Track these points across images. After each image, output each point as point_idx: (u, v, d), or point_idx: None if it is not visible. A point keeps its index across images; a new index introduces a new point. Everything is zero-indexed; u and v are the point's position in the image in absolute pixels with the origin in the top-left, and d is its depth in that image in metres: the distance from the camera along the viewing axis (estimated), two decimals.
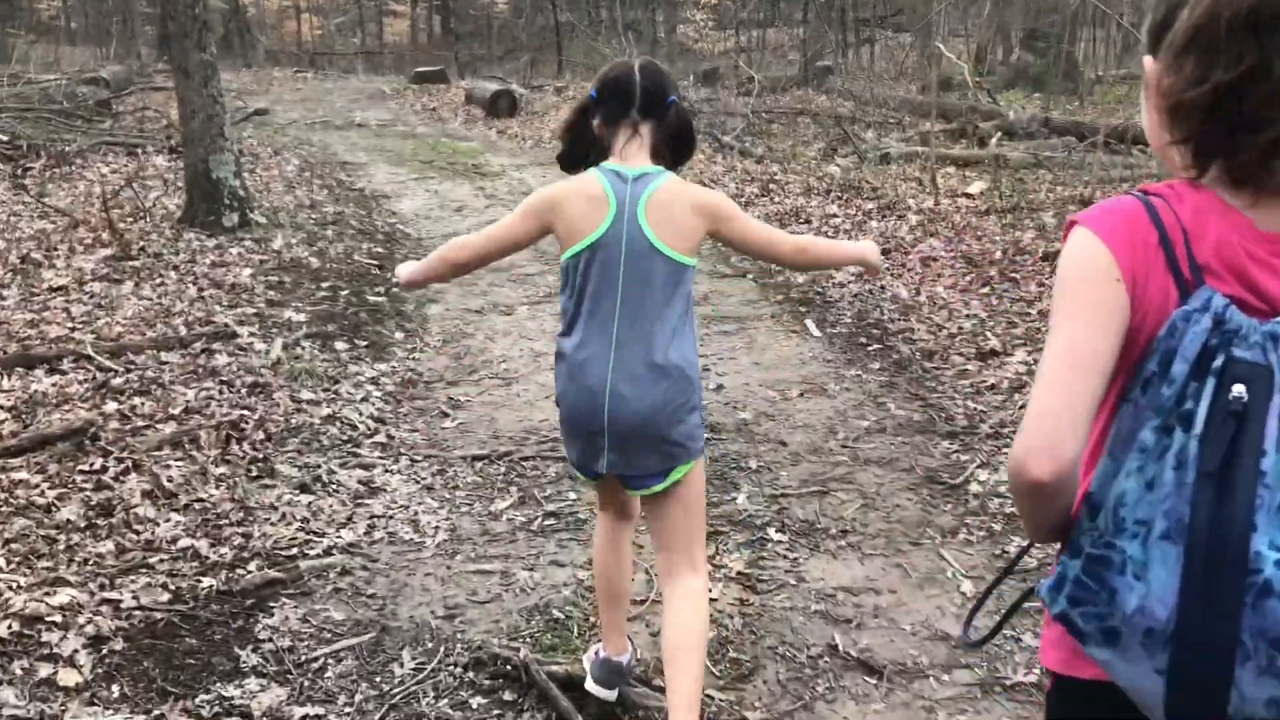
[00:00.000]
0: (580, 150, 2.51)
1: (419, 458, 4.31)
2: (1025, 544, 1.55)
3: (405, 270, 2.69)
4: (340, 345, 5.54)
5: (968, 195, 9.40)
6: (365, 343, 5.65)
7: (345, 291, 6.54)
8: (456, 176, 11.34)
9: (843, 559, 3.54)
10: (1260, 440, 1.13)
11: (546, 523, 3.79)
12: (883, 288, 6.65)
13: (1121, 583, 1.17)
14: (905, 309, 6.21)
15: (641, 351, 2.36)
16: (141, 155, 10.88)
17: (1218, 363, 1.15)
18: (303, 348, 5.38)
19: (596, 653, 2.77)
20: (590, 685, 2.74)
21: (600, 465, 2.45)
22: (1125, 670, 1.20)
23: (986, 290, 6.46)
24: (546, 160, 12.58)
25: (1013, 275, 6.71)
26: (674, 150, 2.48)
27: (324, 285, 6.62)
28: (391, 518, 3.81)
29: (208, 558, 3.43)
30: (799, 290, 6.70)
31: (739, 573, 3.43)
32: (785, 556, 3.55)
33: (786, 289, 6.78)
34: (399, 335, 5.86)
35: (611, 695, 2.74)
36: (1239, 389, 1.14)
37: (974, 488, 4.03)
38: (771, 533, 3.70)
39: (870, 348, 5.62)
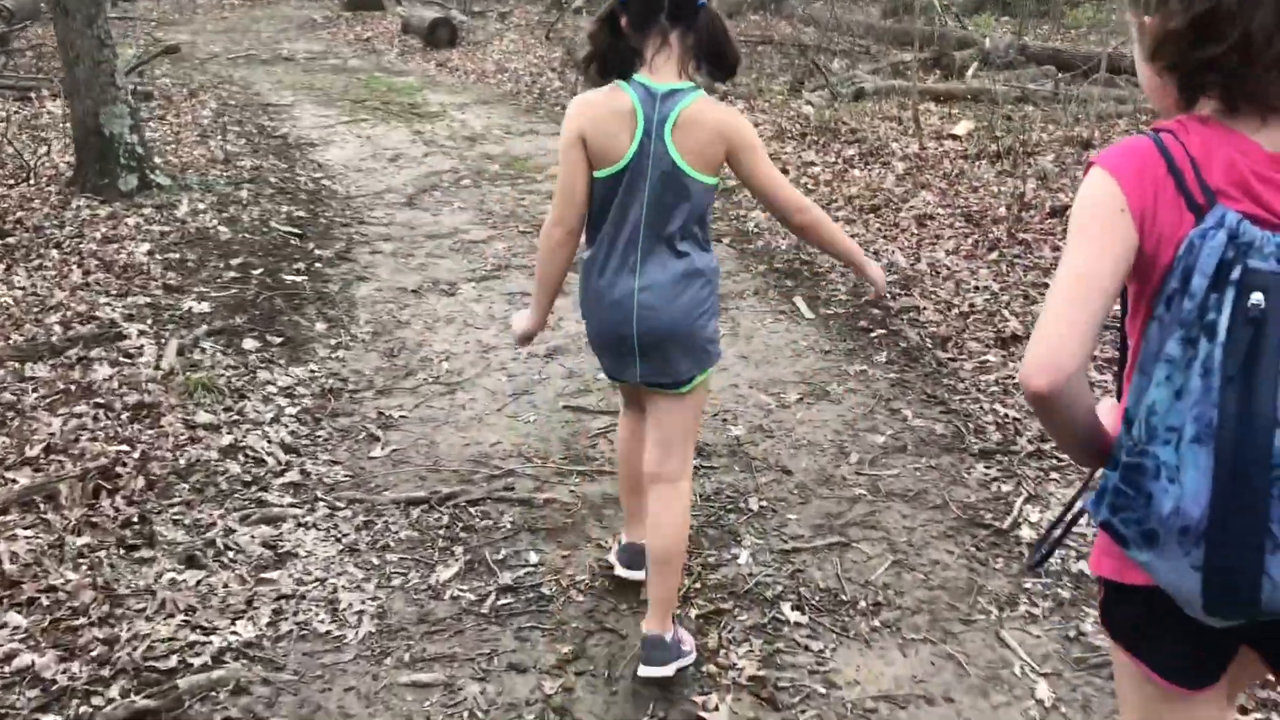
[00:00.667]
0: (610, 61, 2.41)
1: (340, 503, 3.47)
2: (1086, 481, 1.59)
3: (520, 322, 2.67)
4: (249, 344, 4.65)
5: (954, 137, 8.60)
6: (279, 338, 4.76)
7: (259, 270, 5.62)
8: (391, 118, 10.31)
9: (879, 648, 2.79)
10: (1278, 343, 1.22)
11: (501, 602, 2.99)
12: (877, 254, 5.86)
13: (1156, 487, 1.27)
14: (906, 280, 5.43)
15: (664, 265, 2.42)
16: (35, 100, 9.73)
17: (1235, 274, 1.24)
18: (203, 350, 4.49)
19: (619, 541, 3.08)
20: (622, 571, 3.02)
21: (633, 374, 2.54)
22: (1165, 569, 1.29)
23: (995, 256, 5.70)
24: (491, 97, 11.56)
25: (1021, 236, 5.95)
26: (709, 62, 2.39)
27: (234, 262, 5.69)
28: (303, 598, 2.99)
29: (53, 682, 2.59)
30: (783, 259, 5.90)
31: (752, 677, 2.67)
32: (807, 648, 2.79)
33: (769, 258, 5.97)
34: (320, 326, 4.97)
35: (641, 575, 2.90)
36: (1257, 297, 1.22)
37: (1026, 533, 3.29)
38: (786, 610, 2.94)
39: (873, 334, 4.84)
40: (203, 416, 3.91)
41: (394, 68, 14.04)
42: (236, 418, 3.97)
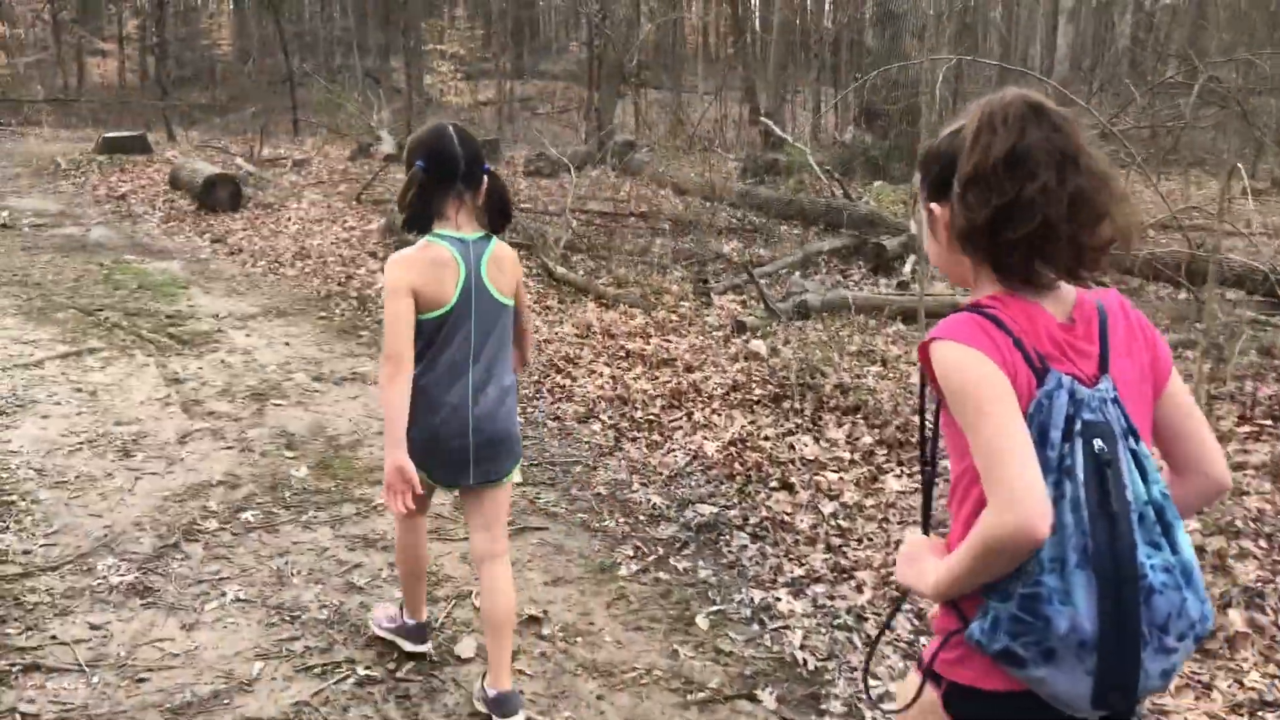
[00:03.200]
0: (430, 217, 2.82)
1: None
2: (897, 603, 2.35)
3: (391, 462, 2.75)
4: None
5: None
6: None
7: None
8: (136, 346, 6.91)
9: None
10: (1122, 477, 1.51)
11: None
12: None
13: (1052, 610, 1.48)
14: None
15: (492, 380, 2.89)
16: None
17: (1078, 426, 1.51)
18: None
19: (405, 623, 3.40)
20: (410, 646, 3.39)
21: (466, 478, 2.94)
22: (1060, 678, 1.50)
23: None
24: (289, 302, 8.28)
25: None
26: (495, 215, 2.90)
27: None
28: None
29: None
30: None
31: None
32: None
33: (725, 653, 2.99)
34: None
35: (427, 648, 3.40)
36: (1098, 443, 1.51)
37: None
38: None
39: None
40: None
41: (153, 244, 10.57)
42: None
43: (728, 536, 4.34)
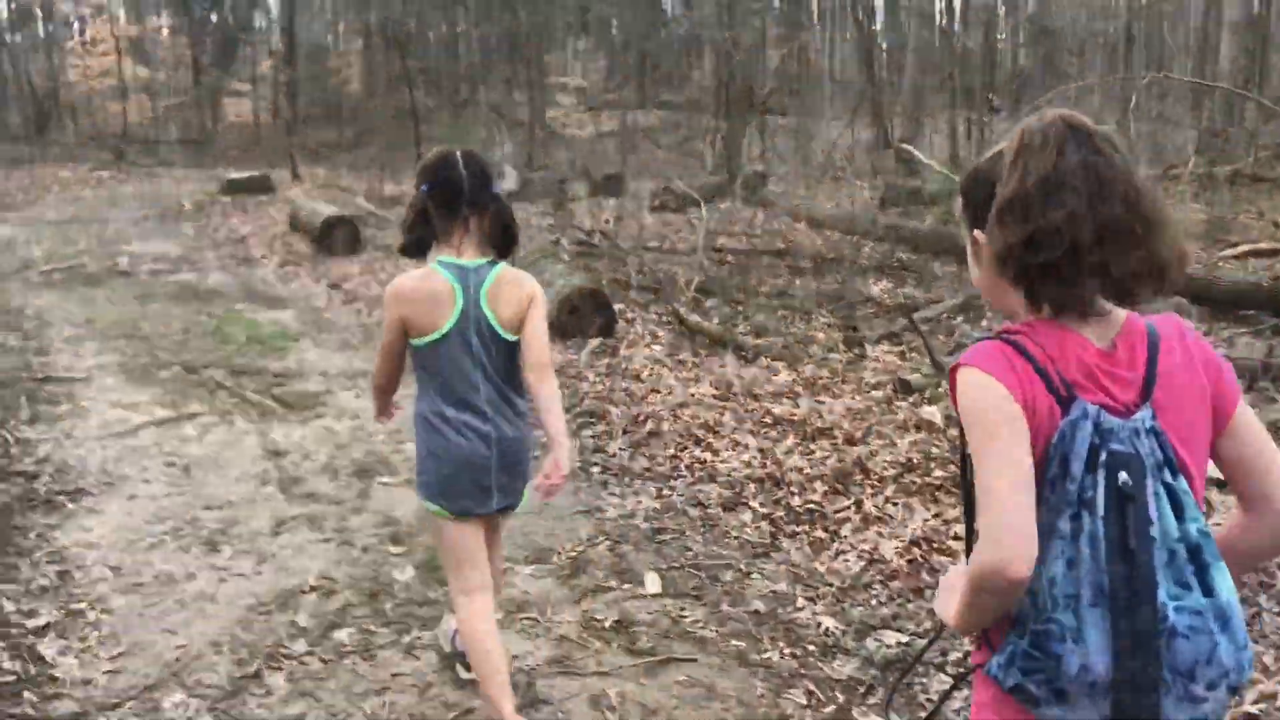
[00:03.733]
0: (427, 242, 2.84)
1: None
2: (935, 634, 2.22)
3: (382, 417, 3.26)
4: None
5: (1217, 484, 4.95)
6: None
7: None
8: (238, 410, 6.36)
9: None
10: (1146, 512, 1.42)
11: None
12: None
13: (1063, 649, 1.41)
14: None
15: (506, 403, 2.88)
16: None
17: (1103, 457, 1.44)
18: None
19: None
20: None
21: (490, 505, 2.93)
22: None
23: None
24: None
25: None
26: (501, 240, 2.85)
27: None
28: None
29: None
30: None
31: None
32: None
33: None
34: None
35: None
36: (1124, 476, 1.43)
37: None
38: None
39: None
40: None
41: (268, 291, 10.16)
42: None
43: (924, 679, 3.45)
